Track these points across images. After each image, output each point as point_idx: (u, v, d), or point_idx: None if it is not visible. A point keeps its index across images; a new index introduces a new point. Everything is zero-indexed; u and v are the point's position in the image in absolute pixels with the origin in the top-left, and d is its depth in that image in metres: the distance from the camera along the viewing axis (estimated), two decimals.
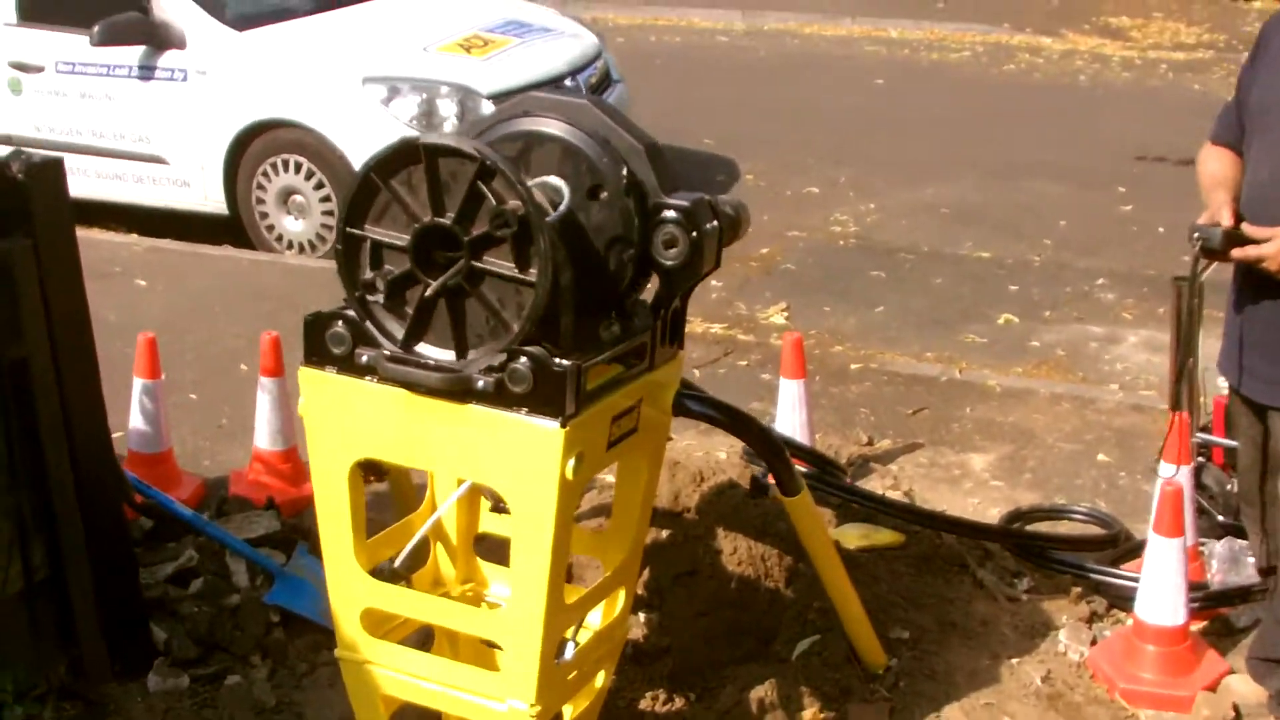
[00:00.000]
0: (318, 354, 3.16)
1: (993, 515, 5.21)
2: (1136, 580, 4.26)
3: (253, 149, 8.61)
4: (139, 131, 8.80)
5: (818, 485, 4.61)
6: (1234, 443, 4.49)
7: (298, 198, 8.59)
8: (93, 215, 8.87)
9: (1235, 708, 4.05)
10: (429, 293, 2.99)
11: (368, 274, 3.04)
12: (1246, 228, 3.91)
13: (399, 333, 3.05)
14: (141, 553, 4.58)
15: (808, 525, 3.84)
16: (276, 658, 4.36)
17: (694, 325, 5.11)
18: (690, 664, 4.20)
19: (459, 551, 3.76)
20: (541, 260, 2.89)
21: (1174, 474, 4.24)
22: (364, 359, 3.11)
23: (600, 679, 3.65)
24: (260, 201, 8.69)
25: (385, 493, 4.32)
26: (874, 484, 5.40)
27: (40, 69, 8.94)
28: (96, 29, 8.46)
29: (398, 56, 8.68)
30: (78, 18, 8.65)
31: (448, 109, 8.35)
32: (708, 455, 5.21)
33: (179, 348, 6.68)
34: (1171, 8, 17.37)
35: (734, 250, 3.39)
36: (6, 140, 8.73)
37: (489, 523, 3.77)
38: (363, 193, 3.01)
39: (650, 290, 3.30)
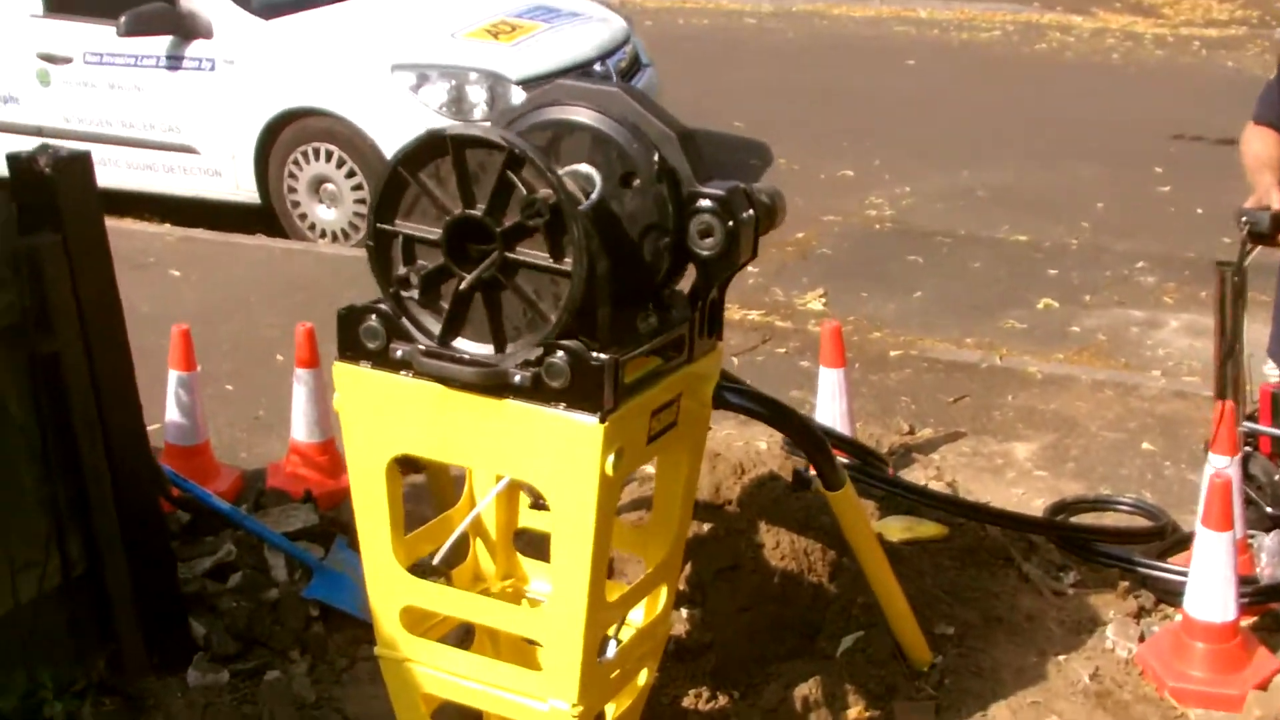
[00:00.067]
0: (352, 349, 3.11)
1: (1037, 506, 5.13)
2: (1185, 574, 4.18)
3: (283, 137, 8.59)
4: (168, 121, 8.77)
5: (860, 477, 4.54)
6: None
7: (329, 186, 8.56)
8: (125, 206, 8.85)
9: None
10: (463, 286, 2.94)
11: (401, 269, 2.99)
12: None
13: (435, 328, 3.00)
14: (179, 547, 4.55)
15: (851, 519, 3.77)
16: (316, 653, 4.32)
17: (731, 312, 5.02)
18: (733, 660, 4.14)
19: (498, 547, 3.72)
20: (576, 248, 2.83)
21: (1224, 466, 4.16)
22: (399, 354, 3.05)
23: (643, 677, 3.60)
24: (292, 190, 8.67)
25: (423, 484, 4.27)
26: (917, 474, 5.32)
27: (68, 60, 8.91)
28: (123, 19, 8.45)
29: (426, 43, 8.63)
30: (105, 8, 8.64)
31: (477, 95, 8.31)
32: (748, 445, 5.15)
33: (214, 338, 6.65)
34: None
35: (770, 235, 3.33)
36: (37, 131, 8.73)
37: (529, 517, 3.73)
38: (391, 187, 2.96)
39: (687, 281, 3.24)
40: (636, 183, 3.07)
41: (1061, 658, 4.19)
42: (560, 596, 3.09)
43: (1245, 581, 4.22)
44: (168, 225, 8.87)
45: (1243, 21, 15.37)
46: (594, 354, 2.91)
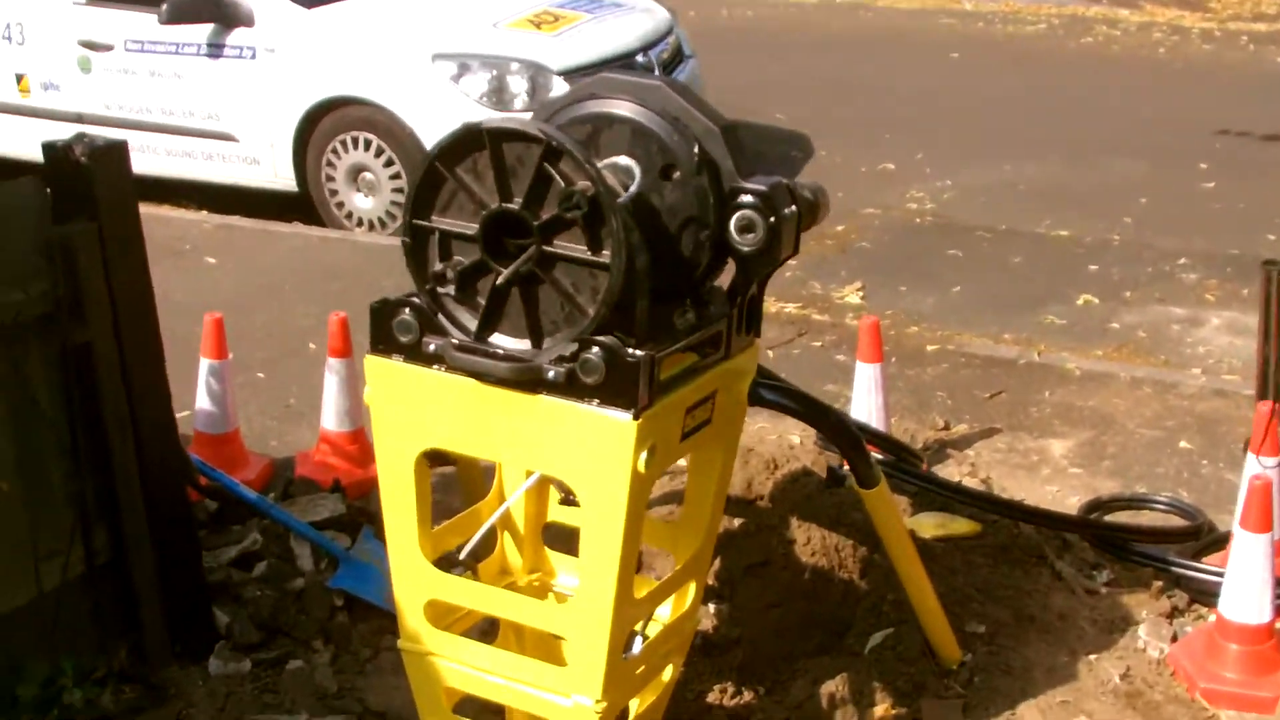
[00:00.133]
0: (384, 342, 3.10)
1: (1071, 504, 5.09)
2: (1220, 575, 4.14)
3: (322, 126, 8.60)
4: (208, 109, 8.80)
5: (894, 473, 4.52)
6: None
7: (367, 175, 8.57)
8: (163, 193, 8.87)
9: None
10: (500, 281, 2.92)
11: (437, 266, 2.97)
12: None
13: (472, 324, 2.98)
14: (205, 535, 4.56)
15: (884, 517, 3.75)
16: (340, 643, 4.33)
17: (768, 305, 5.00)
18: (761, 656, 4.12)
19: (527, 541, 3.70)
20: (615, 240, 2.81)
21: (1270, 467, 4.11)
22: (431, 348, 3.04)
23: (668, 673, 3.58)
24: (330, 179, 8.68)
25: (452, 474, 4.26)
26: (951, 470, 5.29)
27: (109, 48, 8.94)
28: (165, 7, 8.48)
29: (467, 33, 8.62)
30: None
31: (518, 85, 8.29)
32: (781, 439, 5.11)
33: (248, 326, 6.66)
34: None
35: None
36: (77, 118, 8.78)
37: (557, 512, 3.71)
38: (428, 183, 2.95)
39: (726, 277, 3.22)
40: (676, 175, 3.05)
41: (1093, 657, 4.16)
42: (587, 593, 3.07)
43: None
44: (205, 212, 8.90)
45: None
46: (630, 350, 2.89)
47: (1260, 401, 4.30)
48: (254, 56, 8.58)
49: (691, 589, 3.50)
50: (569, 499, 3.57)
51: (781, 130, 3.33)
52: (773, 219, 3.06)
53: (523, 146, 2.86)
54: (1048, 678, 4.05)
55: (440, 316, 3.00)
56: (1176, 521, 4.94)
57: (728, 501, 4.00)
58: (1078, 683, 4.04)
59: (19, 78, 9.23)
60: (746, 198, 3.07)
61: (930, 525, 4.58)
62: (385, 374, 3.12)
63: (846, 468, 3.85)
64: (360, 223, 8.68)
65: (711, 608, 4.22)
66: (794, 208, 3.15)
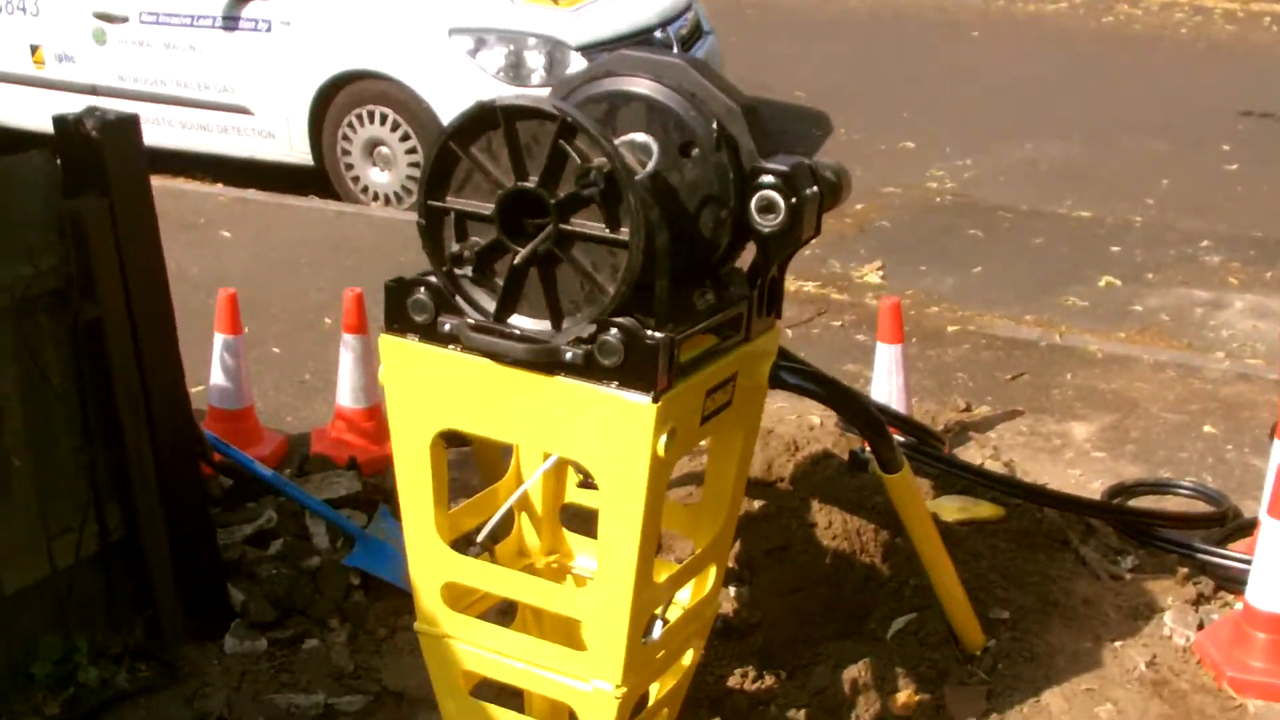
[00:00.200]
0: (399, 321, 3.05)
1: (1095, 488, 5.03)
2: (1247, 562, 4.08)
3: (338, 100, 8.55)
4: (223, 82, 8.74)
5: (916, 456, 4.46)
6: None
7: (383, 149, 8.52)
8: (178, 166, 8.83)
9: None
10: (518, 260, 2.86)
11: (454, 247, 2.91)
12: None
13: (490, 305, 2.92)
14: (220, 513, 4.53)
15: (907, 501, 3.69)
16: (355, 622, 4.30)
17: (787, 284, 4.91)
18: (781, 641, 4.08)
19: (544, 522, 3.65)
20: (633, 217, 2.75)
21: None
22: (447, 328, 2.98)
23: (689, 657, 3.53)
24: (345, 153, 8.63)
25: (468, 452, 4.21)
26: (973, 453, 5.24)
27: (124, 19, 8.88)
28: None
29: (485, 7, 8.54)
30: None
31: (535, 60, 8.23)
32: (801, 420, 5.07)
33: (264, 300, 6.62)
34: None
35: None
36: (91, 90, 8.73)
37: (576, 494, 3.66)
38: (442, 162, 2.88)
39: (746, 258, 3.16)
40: (695, 152, 2.99)
41: (1118, 644, 4.10)
42: (606, 577, 3.02)
43: None
44: (220, 185, 8.86)
45: None
46: (649, 332, 2.83)
47: None
48: (270, 29, 8.52)
49: (712, 573, 3.44)
50: (588, 482, 3.51)
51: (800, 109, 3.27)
52: (794, 199, 3.01)
53: (537, 124, 2.79)
54: (1072, 665, 3.99)
55: (458, 298, 2.94)
56: (1201, 507, 4.88)
57: (748, 484, 3.94)
58: (1103, 670, 3.98)
59: (34, 49, 9.18)
60: (768, 177, 3.01)
61: (953, 509, 4.52)
62: (400, 354, 3.06)
63: (868, 450, 3.79)
64: (376, 197, 8.63)
65: (732, 591, 4.19)
66: (816, 188, 3.09)
